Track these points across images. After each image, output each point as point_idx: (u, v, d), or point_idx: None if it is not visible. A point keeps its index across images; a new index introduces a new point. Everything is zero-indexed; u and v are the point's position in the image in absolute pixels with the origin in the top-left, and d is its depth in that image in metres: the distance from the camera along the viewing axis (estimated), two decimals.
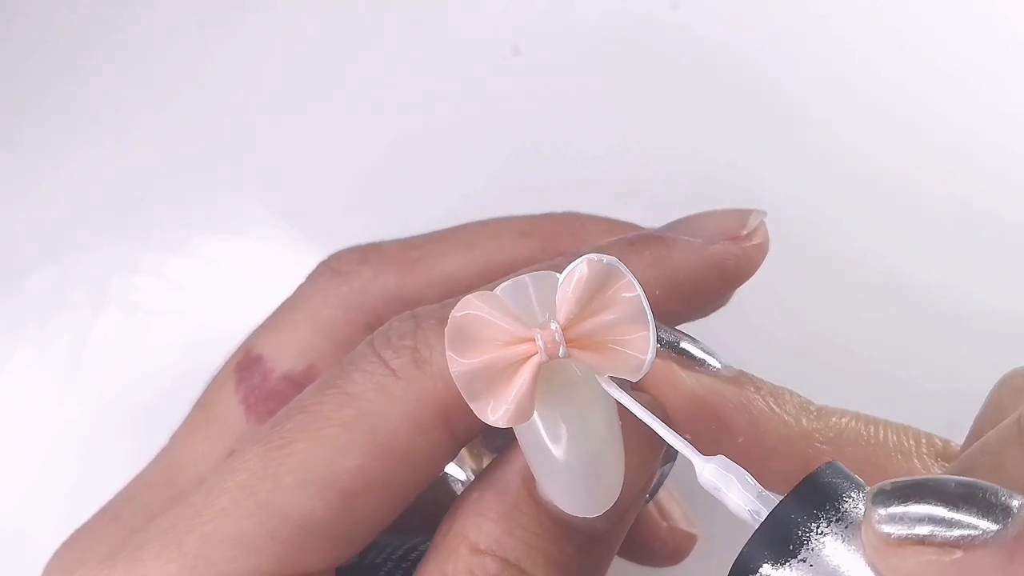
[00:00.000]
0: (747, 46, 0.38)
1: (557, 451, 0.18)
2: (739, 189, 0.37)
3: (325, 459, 0.19)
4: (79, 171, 0.38)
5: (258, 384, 0.25)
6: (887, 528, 0.15)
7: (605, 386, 0.18)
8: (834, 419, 0.20)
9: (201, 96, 0.39)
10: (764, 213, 0.22)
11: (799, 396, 0.20)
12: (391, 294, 0.26)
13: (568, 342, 0.17)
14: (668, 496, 0.29)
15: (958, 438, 0.20)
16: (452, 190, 0.37)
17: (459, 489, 0.25)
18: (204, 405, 0.26)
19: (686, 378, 0.20)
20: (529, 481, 0.19)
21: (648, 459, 0.20)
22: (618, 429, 0.18)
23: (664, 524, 0.28)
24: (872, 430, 0.20)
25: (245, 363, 0.26)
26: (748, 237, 0.21)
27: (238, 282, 0.37)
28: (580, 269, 0.17)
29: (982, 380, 0.20)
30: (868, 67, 0.38)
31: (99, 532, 0.25)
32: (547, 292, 0.17)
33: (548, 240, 0.26)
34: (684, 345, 0.20)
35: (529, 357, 0.17)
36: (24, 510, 0.35)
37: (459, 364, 0.17)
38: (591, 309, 0.17)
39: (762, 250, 0.21)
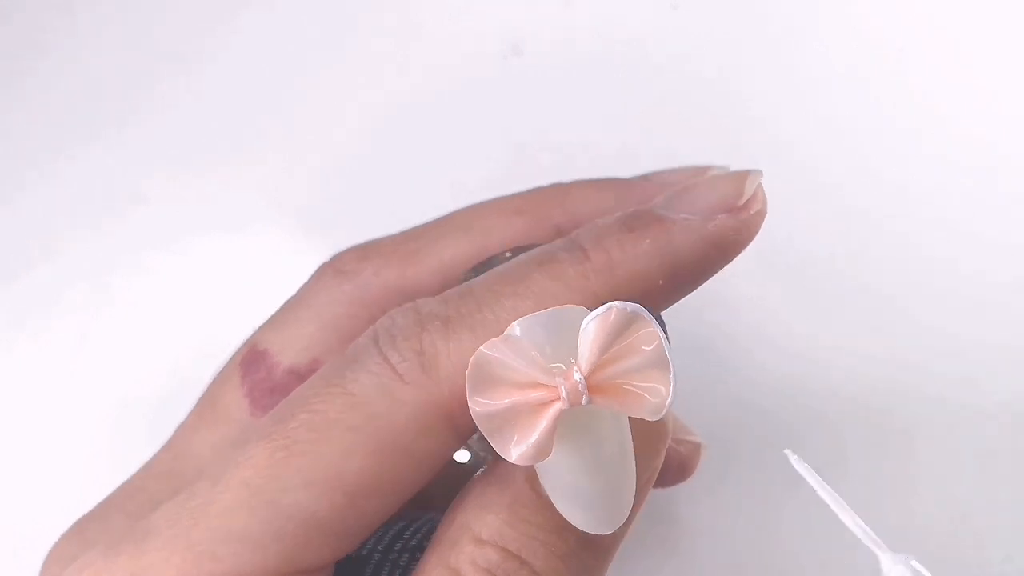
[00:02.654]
0: (748, 47, 0.38)
1: (574, 481, 0.18)
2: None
3: (331, 461, 0.19)
4: (79, 169, 0.38)
5: (263, 378, 0.26)
6: None
7: (794, 463, 0.18)
8: None
9: (201, 94, 0.39)
10: (760, 173, 0.21)
11: None
12: (392, 287, 0.26)
13: (589, 388, 0.17)
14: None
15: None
16: (452, 189, 0.37)
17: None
18: (209, 399, 0.27)
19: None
20: (532, 475, 0.19)
21: (654, 472, 0.20)
22: (631, 454, 0.19)
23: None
24: None
25: (250, 358, 0.26)
26: (747, 207, 0.20)
27: (238, 280, 0.37)
28: (605, 317, 0.17)
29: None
30: (869, 78, 0.38)
31: (101, 522, 0.25)
32: (569, 328, 0.18)
33: (539, 215, 0.26)
34: None
35: (551, 402, 0.17)
36: (25, 508, 0.35)
37: (482, 405, 0.17)
38: (613, 355, 0.17)
39: (761, 216, 0.21)
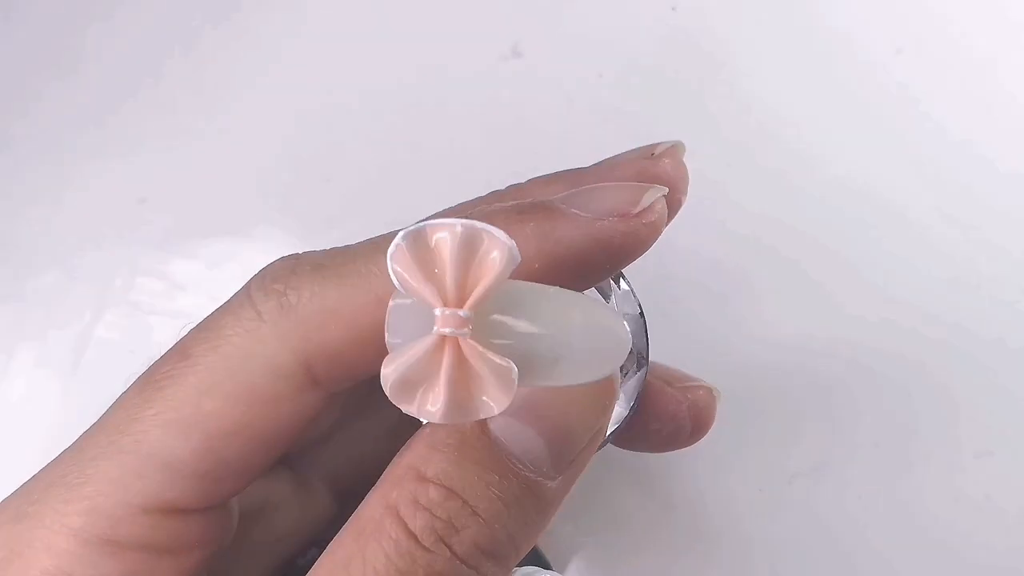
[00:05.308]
0: (747, 47, 0.38)
1: (545, 342, 0.17)
2: (738, 187, 0.37)
3: (189, 401, 0.19)
4: (81, 172, 0.39)
5: None
6: None
7: None
8: None
9: (203, 97, 0.39)
10: (664, 190, 0.20)
11: None
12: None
13: (460, 303, 0.16)
14: (661, 366, 0.26)
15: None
16: (451, 190, 0.37)
17: None
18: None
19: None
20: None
21: (600, 432, 0.20)
22: (583, 298, 0.18)
23: (673, 388, 0.26)
24: None
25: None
26: (640, 215, 0.20)
27: (239, 283, 0.37)
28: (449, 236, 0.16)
29: None
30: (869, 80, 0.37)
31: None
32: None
33: None
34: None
35: (442, 342, 0.16)
36: None
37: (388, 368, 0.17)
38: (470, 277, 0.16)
39: (654, 229, 0.20)
